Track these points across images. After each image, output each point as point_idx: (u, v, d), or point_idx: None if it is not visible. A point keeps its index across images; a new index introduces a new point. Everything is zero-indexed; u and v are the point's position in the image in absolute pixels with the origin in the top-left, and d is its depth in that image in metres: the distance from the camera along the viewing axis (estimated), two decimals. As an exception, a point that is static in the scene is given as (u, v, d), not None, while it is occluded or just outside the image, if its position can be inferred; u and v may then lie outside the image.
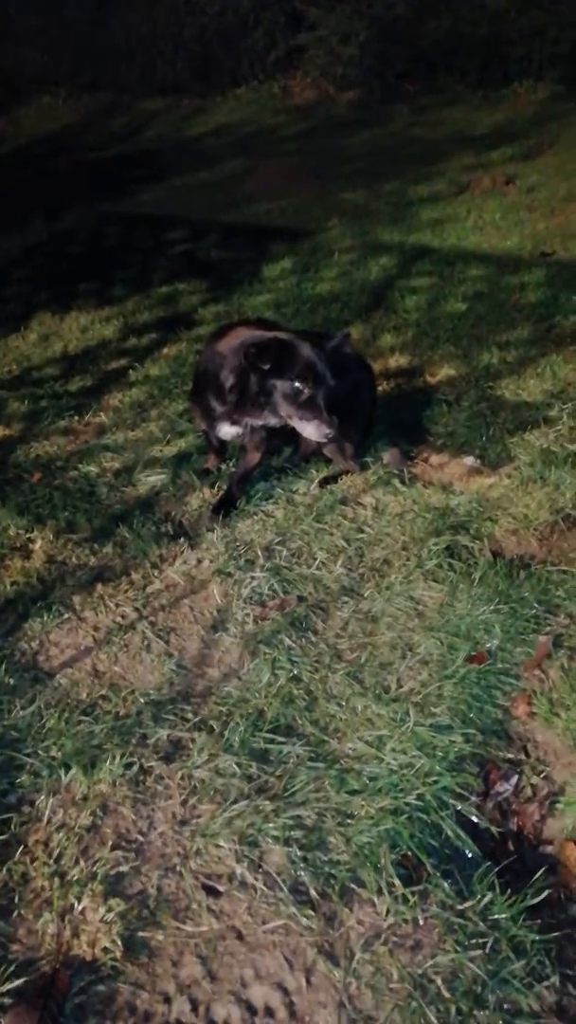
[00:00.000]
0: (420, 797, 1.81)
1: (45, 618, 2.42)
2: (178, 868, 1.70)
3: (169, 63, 13.22)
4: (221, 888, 1.67)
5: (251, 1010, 1.47)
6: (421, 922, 1.59)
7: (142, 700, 2.13)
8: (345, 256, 5.88)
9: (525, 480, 3.01)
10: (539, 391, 3.69)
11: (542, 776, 1.94)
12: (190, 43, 13.01)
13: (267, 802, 1.81)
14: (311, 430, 2.74)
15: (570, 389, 3.69)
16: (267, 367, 2.67)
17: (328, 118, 11.84)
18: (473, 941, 1.54)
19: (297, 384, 2.69)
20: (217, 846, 1.73)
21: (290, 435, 3.02)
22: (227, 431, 2.97)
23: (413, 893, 1.62)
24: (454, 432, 3.42)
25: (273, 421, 2.83)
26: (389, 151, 9.79)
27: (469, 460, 3.20)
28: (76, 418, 3.70)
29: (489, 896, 1.62)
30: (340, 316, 4.76)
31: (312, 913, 1.60)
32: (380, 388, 3.67)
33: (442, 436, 3.41)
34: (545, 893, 1.65)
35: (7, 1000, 1.46)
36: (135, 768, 1.92)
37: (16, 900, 1.64)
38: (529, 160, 8.63)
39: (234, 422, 2.91)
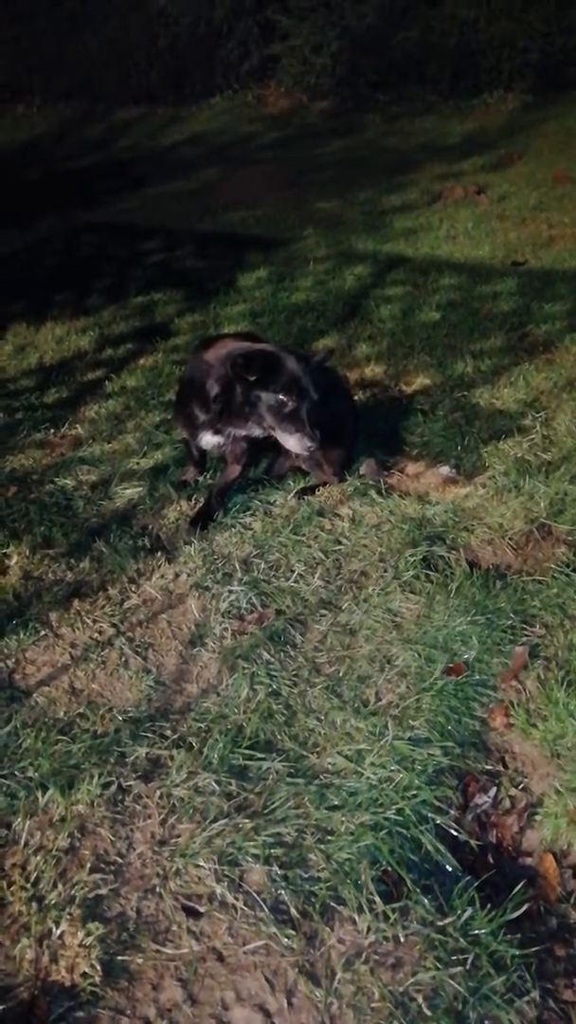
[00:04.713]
0: (399, 812, 1.81)
1: (21, 635, 2.40)
2: (157, 889, 1.69)
3: (143, 72, 13.21)
4: (201, 909, 1.65)
5: (232, 1033, 1.46)
6: (402, 939, 1.58)
7: (120, 718, 2.11)
8: (320, 265, 5.90)
9: (500, 489, 3.03)
10: (512, 400, 3.72)
11: (520, 788, 1.95)
12: (164, 53, 13.01)
13: (247, 820, 1.80)
14: (293, 442, 2.77)
15: (543, 398, 3.72)
16: (253, 378, 2.71)
17: (302, 127, 11.89)
18: (454, 957, 1.54)
19: (281, 396, 2.72)
20: (197, 866, 1.72)
21: (270, 447, 3.04)
22: (209, 440, 2.99)
23: (393, 910, 1.62)
24: (430, 442, 3.44)
25: (256, 432, 2.86)
26: (362, 160, 9.84)
27: (445, 470, 3.22)
28: (52, 431, 3.67)
29: (469, 911, 1.63)
30: (316, 326, 4.77)
31: (293, 932, 1.60)
32: (356, 398, 3.68)
33: (418, 446, 3.42)
34: (525, 907, 1.66)
35: (-16, 1029, 1.44)
36: (113, 787, 1.90)
37: (-7, 926, 1.62)
38: (500, 169, 8.72)
39: (217, 431, 2.94)
